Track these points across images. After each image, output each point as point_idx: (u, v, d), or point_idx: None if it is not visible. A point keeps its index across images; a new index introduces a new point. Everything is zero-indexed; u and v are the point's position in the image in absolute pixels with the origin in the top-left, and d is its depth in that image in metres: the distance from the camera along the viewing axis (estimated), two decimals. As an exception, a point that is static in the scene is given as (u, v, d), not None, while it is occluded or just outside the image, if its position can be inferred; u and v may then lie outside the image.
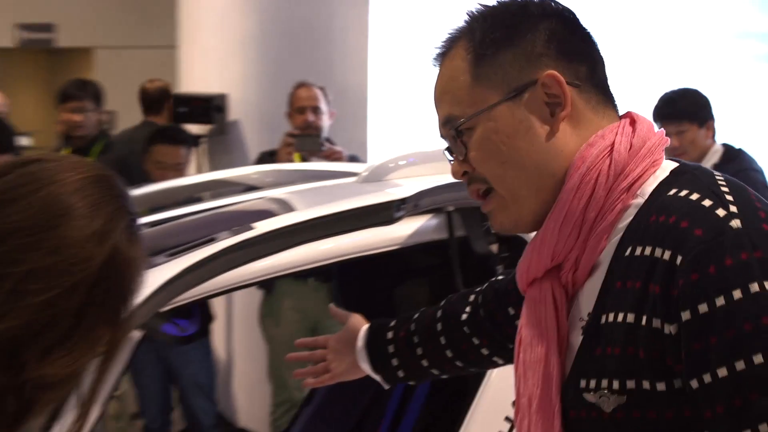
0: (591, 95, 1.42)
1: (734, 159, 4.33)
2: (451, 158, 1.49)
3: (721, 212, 1.25)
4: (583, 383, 1.34)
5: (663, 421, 1.28)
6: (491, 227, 1.50)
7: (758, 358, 1.19)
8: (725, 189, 1.30)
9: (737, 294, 1.20)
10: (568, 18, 1.44)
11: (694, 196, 1.29)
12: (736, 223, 1.24)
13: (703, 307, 1.21)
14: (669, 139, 1.43)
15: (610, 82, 1.46)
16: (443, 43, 1.48)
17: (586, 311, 1.38)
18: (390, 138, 6.12)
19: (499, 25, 1.42)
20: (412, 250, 2.50)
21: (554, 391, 1.39)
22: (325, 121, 4.92)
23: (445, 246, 2.50)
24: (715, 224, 1.24)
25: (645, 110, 5.91)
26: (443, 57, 1.47)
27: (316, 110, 4.89)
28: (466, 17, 1.45)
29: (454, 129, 1.43)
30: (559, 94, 1.39)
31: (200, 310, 4.56)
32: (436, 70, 1.49)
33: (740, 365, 1.19)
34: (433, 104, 1.49)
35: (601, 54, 1.46)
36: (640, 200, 1.35)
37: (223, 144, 5.64)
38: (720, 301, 1.20)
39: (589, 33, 1.45)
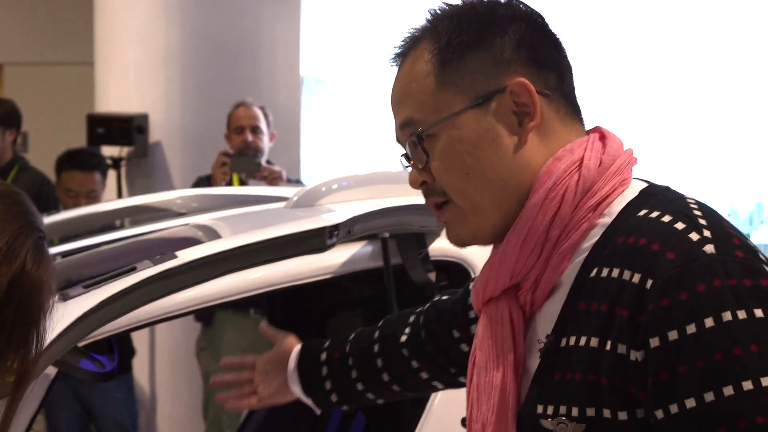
0: (560, 105, 1.42)
1: None
2: (408, 165, 1.48)
3: (694, 236, 1.27)
4: (540, 409, 1.35)
5: None
6: (448, 239, 1.49)
7: (728, 390, 1.20)
8: (698, 213, 1.32)
9: (709, 322, 1.21)
10: (538, 23, 1.44)
11: (666, 218, 1.30)
12: (709, 248, 1.25)
13: (673, 335, 1.22)
14: (638, 159, 1.43)
15: (578, 93, 1.46)
16: (403, 42, 1.46)
17: (544, 333, 1.38)
18: (324, 159, 6.14)
19: (466, 27, 1.40)
20: (345, 279, 2.52)
21: (510, 417, 1.39)
22: (266, 143, 4.95)
23: (380, 274, 2.52)
24: (688, 248, 1.25)
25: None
26: (404, 57, 1.45)
27: (255, 130, 4.92)
28: (429, 16, 1.44)
29: (415, 135, 1.42)
30: (528, 104, 1.38)
31: (120, 345, 4.53)
32: (395, 71, 1.46)
33: (709, 396, 1.20)
34: (390, 107, 1.47)
35: (570, 63, 1.46)
36: (607, 219, 1.36)
37: (145, 167, 5.61)
38: (691, 329, 1.22)
39: (558, 40, 1.45)
